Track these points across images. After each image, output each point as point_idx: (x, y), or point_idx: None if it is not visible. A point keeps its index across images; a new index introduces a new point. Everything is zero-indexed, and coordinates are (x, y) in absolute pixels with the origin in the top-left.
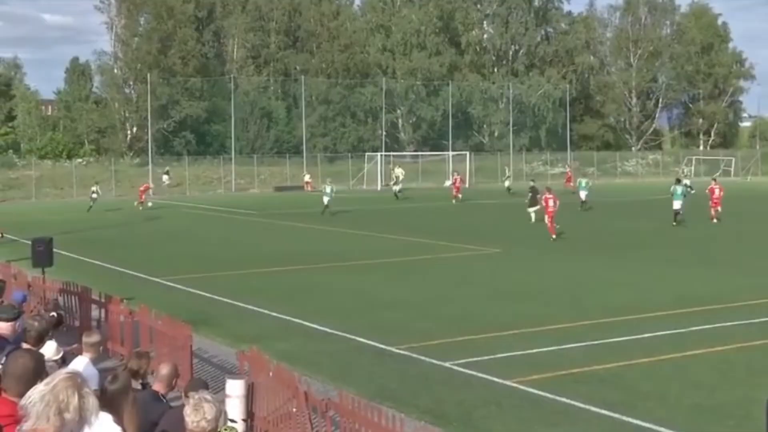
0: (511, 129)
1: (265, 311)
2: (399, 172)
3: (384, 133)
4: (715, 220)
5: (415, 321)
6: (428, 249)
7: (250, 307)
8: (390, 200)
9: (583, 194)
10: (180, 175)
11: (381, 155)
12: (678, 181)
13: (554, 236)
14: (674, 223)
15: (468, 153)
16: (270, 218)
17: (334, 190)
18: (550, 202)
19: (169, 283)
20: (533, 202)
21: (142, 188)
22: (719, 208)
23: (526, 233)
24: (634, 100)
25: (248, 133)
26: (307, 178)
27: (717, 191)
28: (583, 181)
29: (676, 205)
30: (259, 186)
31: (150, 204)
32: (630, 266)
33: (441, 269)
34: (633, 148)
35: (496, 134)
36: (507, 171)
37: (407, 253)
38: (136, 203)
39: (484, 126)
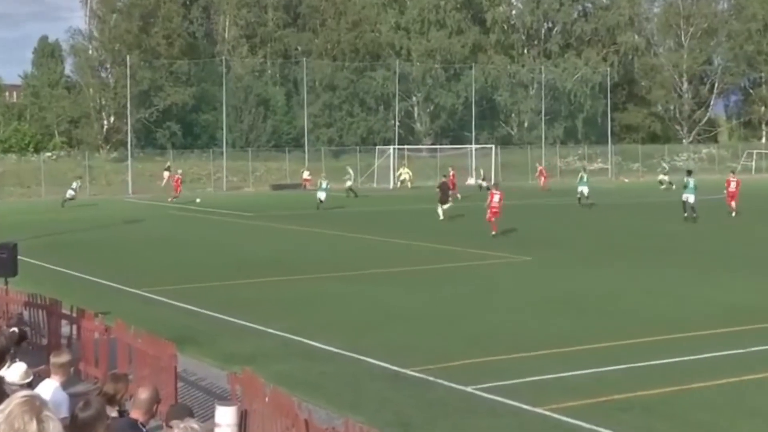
0: (543, 119)
1: (261, 327)
2: (405, 172)
3: (397, 123)
4: (734, 214)
5: (433, 339)
6: (449, 256)
7: (243, 322)
8: (405, 199)
9: (584, 190)
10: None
11: (393, 149)
12: (689, 173)
13: (494, 232)
14: (685, 214)
15: (494, 146)
16: (267, 220)
17: (329, 186)
18: (495, 198)
19: (150, 295)
20: (444, 198)
21: (174, 180)
22: (733, 204)
23: (562, 239)
24: (686, 85)
25: (242, 124)
26: (305, 174)
27: (733, 185)
28: (585, 176)
29: (688, 197)
30: (255, 184)
31: (170, 200)
32: (670, 274)
33: (464, 279)
34: (684, 141)
35: (525, 125)
36: (538, 166)
37: (425, 260)
38: (170, 199)
39: (513, 116)
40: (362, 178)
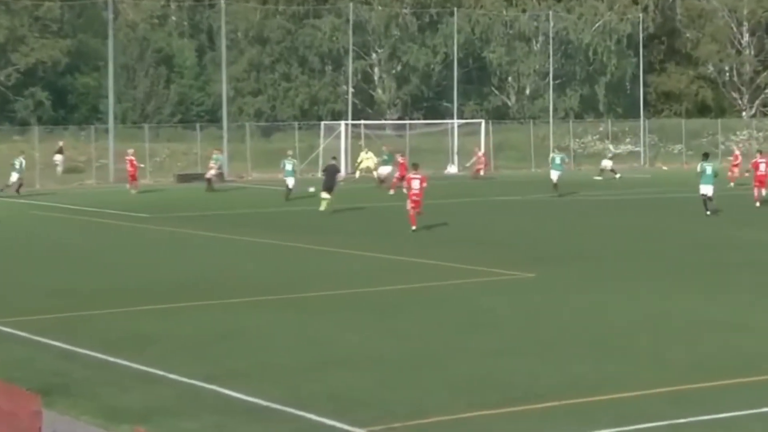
0: (551, 84)
1: (161, 372)
2: (367, 158)
3: (351, 90)
4: (758, 203)
5: (399, 386)
6: (423, 273)
7: (136, 365)
8: (372, 197)
9: (554, 175)
10: (29, 157)
11: (346, 125)
12: (706, 156)
13: (414, 227)
14: (708, 213)
15: (483, 122)
16: (171, 224)
17: (297, 166)
18: (414, 183)
19: (4, 329)
20: (329, 185)
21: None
22: (764, 191)
23: (577, 248)
24: (746, 37)
25: (135, 91)
26: (214, 161)
27: (763, 166)
28: (557, 157)
29: (706, 189)
30: (154, 173)
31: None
32: (720, 296)
33: (445, 305)
34: (744, 114)
35: (527, 92)
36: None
37: (390, 279)
38: (128, 186)
39: (509, 80)
40: (303, 164)
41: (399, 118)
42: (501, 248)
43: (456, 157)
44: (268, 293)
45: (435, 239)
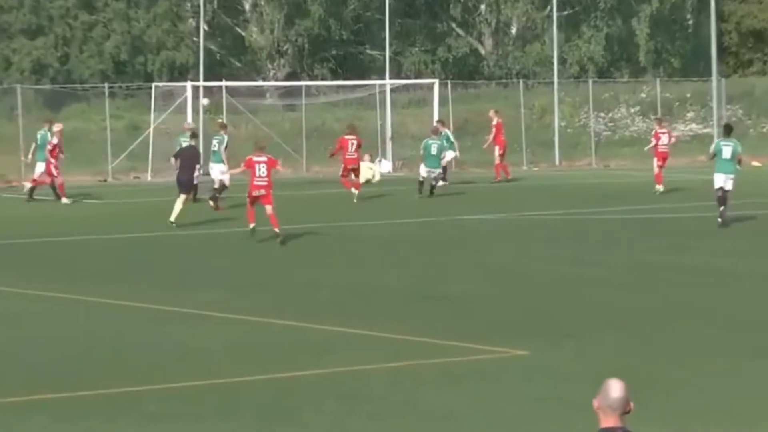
0: (554, 17)
1: None
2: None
3: (204, 28)
4: None
5: None
6: (342, 350)
7: None
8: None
9: (426, 169)
10: None
11: (195, 88)
12: (728, 130)
13: (253, 224)
14: (719, 220)
15: (437, 82)
16: None
17: (225, 142)
18: (261, 169)
19: None
20: (185, 179)
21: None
22: None
23: (582, 303)
24: None
25: None
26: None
27: None
28: (447, 136)
29: (723, 182)
30: None
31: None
32: None
33: (375, 403)
34: None
35: (513, 32)
36: None
37: (283, 362)
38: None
39: (482, 9)
40: (121, 157)
41: (289, 78)
42: (469, 304)
43: (390, 146)
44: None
45: (362, 291)
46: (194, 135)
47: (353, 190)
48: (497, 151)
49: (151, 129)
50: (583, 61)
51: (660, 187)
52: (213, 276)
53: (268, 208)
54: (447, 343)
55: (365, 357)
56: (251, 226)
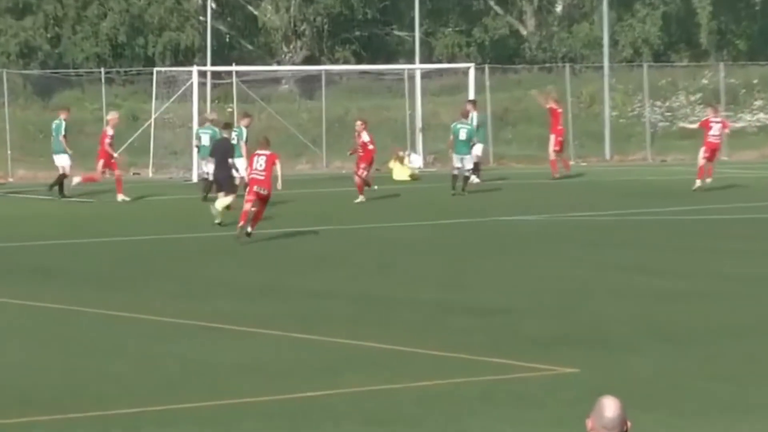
0: None
1: None
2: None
3: (212, 5)
4: None
5: None
6: (377, 367)
7: None
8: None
9: (464, 159)
10: None
11: (201, 73)
12: None
13: (242, 223)
14: None
15: (473, 67)
16: None
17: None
18: (258, 162)
19: None
20: (222, 177)
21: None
22: None
23: (638, 315)
24: None
25: None
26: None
27: None
28: (472, 118)
29: None
30: None
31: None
32: None
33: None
34: None
35: (558, 10)
36: None
37: (322, 379)
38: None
39: None
40: (120, 150)
41: (307, 62)
42: (517, 317)
43: (420, 138)
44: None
45: (387, 301)
46: (227, 126)
47: (365, 188)
48: (552, 142)
49: (153, 119)
50: (636, 43)
51: (699, 182)
52: (220, 284)
53: (262, 208)
54: (485, 360)
55: (391, 375)
56: (240, 225)
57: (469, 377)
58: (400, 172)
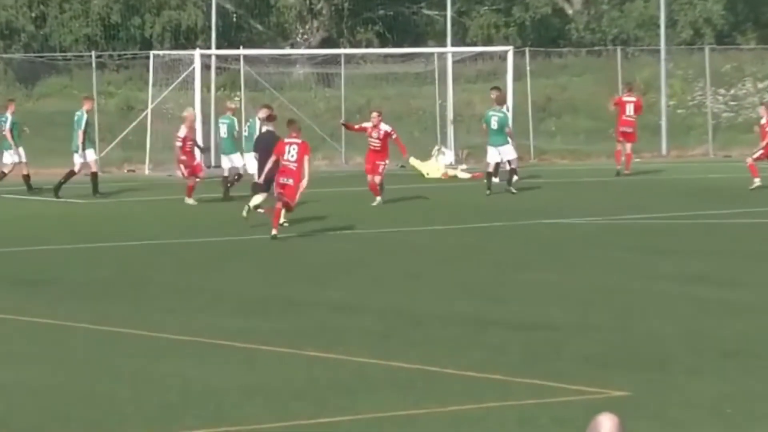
0: None
1: None
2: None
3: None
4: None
5: None
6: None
7: None
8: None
9: (503, 151)
10: None
11: (204, 57)
12: None
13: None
14: None
15: (512, 50)
16: None
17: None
18: (290, 152)
19: None
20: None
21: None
22: None
23: (700, 332)
24: None
25: None
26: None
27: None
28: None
29: None
30: None
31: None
32: None
33: None
34: None
35: None
36: None
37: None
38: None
39: None
40: (113, 143)
41: (324, 44)
42: (560, 334)
43: (452, 131)
44: None
45: (412, 315)
46: (271, 118)
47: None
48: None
49: (149, 109)
50: (697, 23)
51: (758, 181)
52: (226, 295)
53: (288, 201)
54: (523, 381)
55: (417, 399)
56: (273, 233)
57: (505, 401)
58: (431, 169)
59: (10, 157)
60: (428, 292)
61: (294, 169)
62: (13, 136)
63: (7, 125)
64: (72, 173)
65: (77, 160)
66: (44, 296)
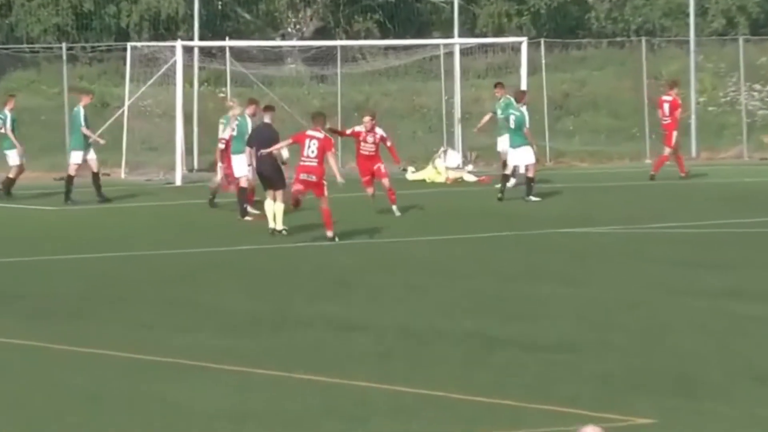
0: None
1: None
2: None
3: None
4: None
5: None
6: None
7: None
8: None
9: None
10: None
11: (186, 49)
12: None
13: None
14: None
15: (525, 41)
16: None
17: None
18: (310, 147)
19: None
20: (270, 172)
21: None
22: None
23: (733, 352)
24: None
25: None
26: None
27: None
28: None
29: None
30: None
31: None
32: None
33: None
34: None
35: None
36: None
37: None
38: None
39: None
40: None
41: (319, 36)
42: (578, 355)
43: (459, 130)
44: None
45: (417, 334)
46: (268, 108)
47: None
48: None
49: (126, 106)
50: (730, 11)
51: None
52: (211, 312)
53: (322, 201)
54: (537, 407)
55: (421, 426)
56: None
57: (517, 429)
58: (431, 175)
59: (18, 158)
60: (433, 309)
61: (315, 165)
62: (14, 135)
63: (8, 123)
64: (71, 178)
65: (73, 159)
66: (10, 314)
